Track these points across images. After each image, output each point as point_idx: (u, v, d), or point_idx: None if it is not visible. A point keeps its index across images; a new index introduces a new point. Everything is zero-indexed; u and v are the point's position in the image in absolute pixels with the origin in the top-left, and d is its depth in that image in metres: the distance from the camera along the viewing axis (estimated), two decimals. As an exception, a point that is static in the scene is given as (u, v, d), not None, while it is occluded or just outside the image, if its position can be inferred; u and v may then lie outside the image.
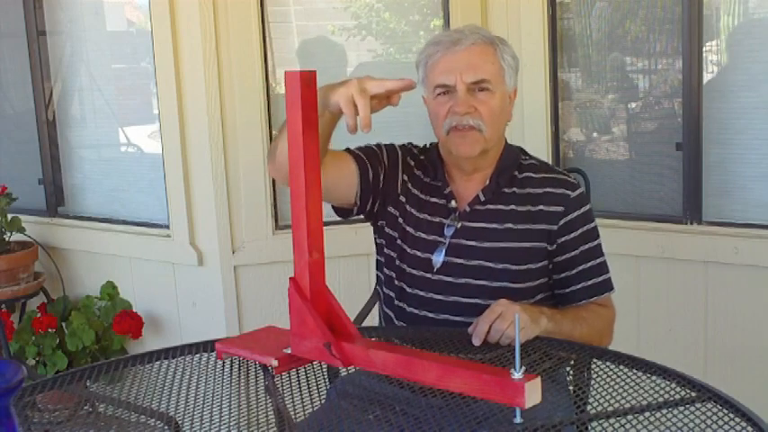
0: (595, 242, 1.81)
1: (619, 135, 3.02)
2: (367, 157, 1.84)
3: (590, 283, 1.79)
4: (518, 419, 1.20)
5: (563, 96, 3.03)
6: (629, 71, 2.96)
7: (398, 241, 1.84)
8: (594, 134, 3.06)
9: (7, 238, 3.39)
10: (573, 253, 1.78)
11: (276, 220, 3.08)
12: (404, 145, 1.92)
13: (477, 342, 1.60)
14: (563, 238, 1.78)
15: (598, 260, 1.81)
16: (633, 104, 2.97)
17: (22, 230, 3.42)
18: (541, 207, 1.78)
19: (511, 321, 1.58)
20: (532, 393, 1.19)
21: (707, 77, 2.72)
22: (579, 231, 1.79)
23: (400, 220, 1.84)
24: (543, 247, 1.77)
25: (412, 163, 1.88)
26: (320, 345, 1.41)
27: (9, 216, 3.38)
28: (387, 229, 1.87)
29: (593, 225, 1.82)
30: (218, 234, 3.05)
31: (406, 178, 1.86)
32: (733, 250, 2.64)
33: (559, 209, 1.78)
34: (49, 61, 3.60)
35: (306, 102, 1.41)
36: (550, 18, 2.95)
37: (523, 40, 2.98)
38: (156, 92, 3.13)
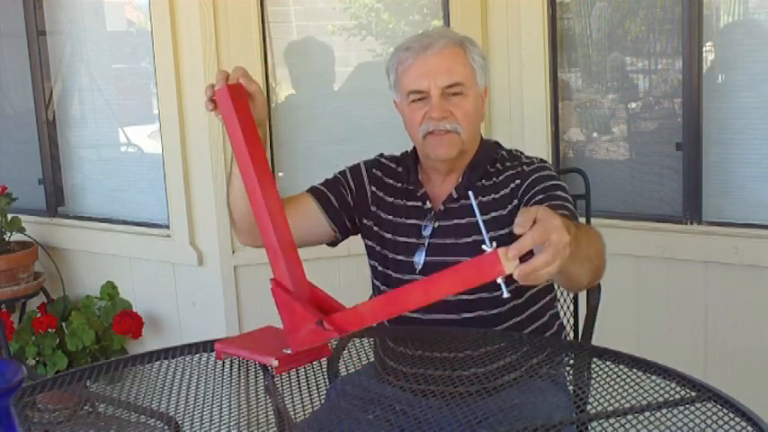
0: (555, 192, 1.70)
1: (619, 135, 3.02)
2: (327, 188, 1.88)
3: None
4: (505, 294, 1.17)
5: (563, 96, 3.03)
6: (629, 71, 2.96)
7: (378, 248, 1.85)
8: (594, 134, 3.06)
9: (7, 238, 3.39)
10: (532, 201, 1.69)
11: (276, 220, 3.08)
12: (369, 159, 1.94)
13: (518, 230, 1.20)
14: (523, 199, 1.73)
15: (558, 202, 1.66)
16: (633, 104, 2.97)
17: (22, 230, 3.42)
18: (502, 192, 1.77)
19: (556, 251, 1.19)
20: (509, 260, 1.16)
21: (707, 77, 2.72)
22: (537, 187, 1.72)
23: (375, 228, 1.86)
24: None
25: (379, 173, 1.90)
26: (313, 327, 1.41)
27: (9, 216, 3.39)
28: (366, 240, 1.90)
29: (553, 183, 1.72)
30: (218, 234, 3.05)
31: (374, 189, 1.88)
32: (733, 250, 2.64)
33: (516, 182, 1.76)
34: (49, 61, 3.60)
35: (240, 112, 1.50)
36: (550, 18, 2.95)
37: (523, 40, 2.98)
38: (156, 92, 3.13)
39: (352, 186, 1.89)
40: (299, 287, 1.46)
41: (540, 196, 1.70)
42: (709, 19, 2.70)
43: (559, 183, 1.76)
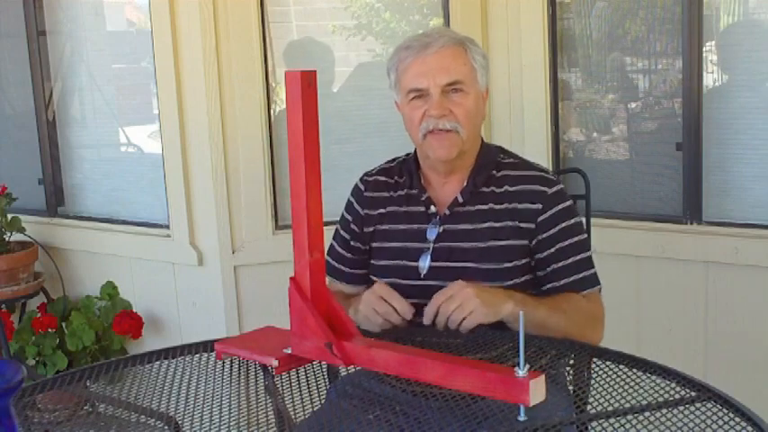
0: (576, 238, 1.78)
1: (619, 135, 3.02)
2: (352, 257, 1.92)
3: (572, 279, 1.76)
4: (522, 417, 1.19)
5: (563, 96, 3.03)
6: (629, 71, 2.96)
7: (383, 261, 1.86)
8: (594, 134, 3.06)
9: (7, 238, 3.39)
10: (552, 250, 1.76)
11: (276, 220, 3.08)
12: (355, 187, 1.95)
13: (426, 322, 1.62)
14: (542, 236, 1.76)
15: (580, 256, 1.78)
16: (633, 104, 2.97)
17: (22, 230, 3.42)
18: (519, 204, 1.77)
19: (459, 304, 1.58)
20: (537, 391, 1.18)
21: (707, 77, 2.72)
22: (558, 228, 1.77)
23: (386, 244, 1.86)
24: (524, 244, 1.77)
25: (369, 194, 1.91)
26: (321, 345, 1.41)
27: (9, 216, 3.38)
28: (375, 261, 1.89)
29: (574, 221, 1.79)
30: (218, 234, 3.05)
31: (368, 211, 1.89)
32: (733, 250, 2.64)
33: (537, 206, 1.77)
34: (49, 61, 3.60)
35: (306, 101, 1.42)
36: (550, 18, 2.95)
37: (523, 40, 2.98)
38: (156, 92, 3.13)
39: (361, 229, 1.90)
40: (317, 295, 1.44)
41: (562, 244, 1.76)
42: (709, 19, 2.70)
43: (577, 220, 1.81)
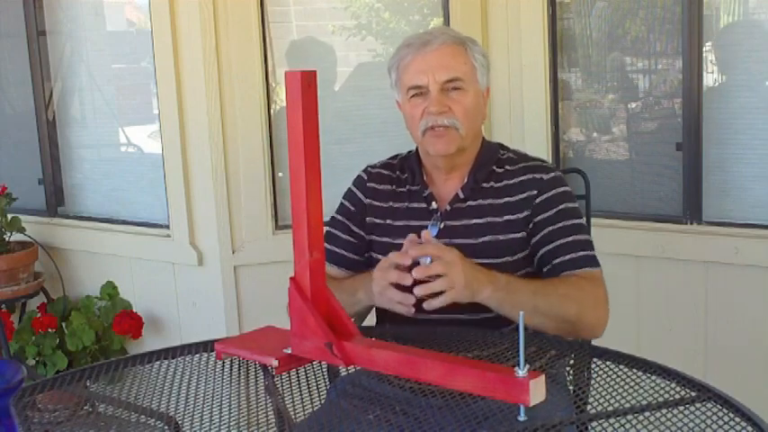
0: (574, 221, 1.77)
1: (619, 135, 3.02)
2: (342, 248, 1.90)
3: (569, 257, 1.73)
4: (522, 417, 1.19)
5: (563, 96, 3.03)
6: (629, 71, 2.96)
7: (384, 256, 1.85)
8: (594, 134, 3.06)
9: (7, 238, 3.39)
10: (548, 229, 1.74)
11: (276, 220, 3.08)
12: (359, 177, 1.95)
13: (406, 262, 1.60)
14: (538, 218, 1.76)
15: (578, 237, 1.75)
16: (633, 104, 2.97)
17: (22, 230, 3.42)
18: (518, 196, 1.78)
19: (444, 274, 1.55)
20: (537, 391, 1.18)
21: (707, 77, 2.72)
22: (555, 210, 1.76)
23: (385, 239, 1.86)
24: (523, 236, 1.77)
25: (373, 185, 1.91)
26: (321, 345, 1.41)
27: (9, 216, 3.38)
28: (374, 254, 1.89)
29: (571, 205, 1.78)
30: (218, 234, 3.05)
31: (370, 201, 1.90)
32: (733, 250, 2.64)
33: (533, 192, 1.78)
34: (49, 61, 3.60)
35: (306, 102, 1.42)
36: (550, 18, 2.95)
37: (523, 40, 2.98)
38: (156, 92, 3.13)
39: (360, 218, 1.90)
40: (317, 295, 1.44)
41: (560, 224, 1.74)
42: (709, 19, 2.70)
43: (575, 205, 1.80)
